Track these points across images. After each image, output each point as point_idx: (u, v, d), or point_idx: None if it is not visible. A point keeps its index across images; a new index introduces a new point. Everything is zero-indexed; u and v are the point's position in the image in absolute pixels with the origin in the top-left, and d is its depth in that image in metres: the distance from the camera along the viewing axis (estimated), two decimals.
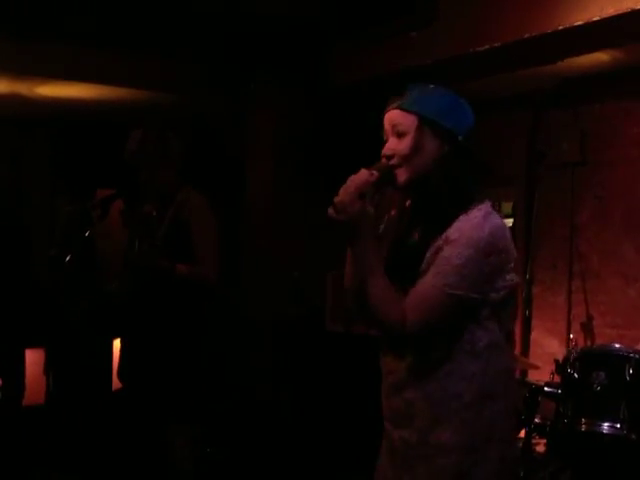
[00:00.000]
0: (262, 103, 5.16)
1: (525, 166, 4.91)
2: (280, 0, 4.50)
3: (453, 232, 1.81)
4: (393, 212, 1.95)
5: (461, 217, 1.83)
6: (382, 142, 1.94)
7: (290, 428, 4.64)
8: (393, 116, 1.90)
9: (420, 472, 1.86)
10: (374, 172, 1.82)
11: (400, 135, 1.87)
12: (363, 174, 1.80)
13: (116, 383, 3.72)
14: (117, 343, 3.79)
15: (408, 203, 1.95)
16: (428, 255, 1.83)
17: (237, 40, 4.79)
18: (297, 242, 4.99)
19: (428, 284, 1.80)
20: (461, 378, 1.82)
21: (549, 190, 4.65)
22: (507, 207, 5.14)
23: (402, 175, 1.89)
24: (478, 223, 1.80)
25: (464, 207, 1.84)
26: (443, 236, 1.82)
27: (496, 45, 3.97)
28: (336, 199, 1.75)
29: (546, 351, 4.52)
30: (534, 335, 4.67)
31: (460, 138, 1.89)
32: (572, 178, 4.71)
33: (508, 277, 1.81)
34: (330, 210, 1.76)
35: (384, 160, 1.89)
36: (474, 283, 1.78)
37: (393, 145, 1.89)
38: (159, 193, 3.44)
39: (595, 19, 3.50)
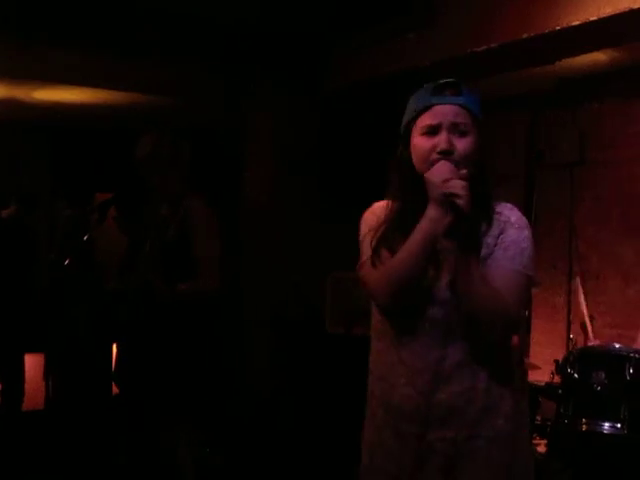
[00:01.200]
0: (261, 105, 5.17)
1: (524, 166, 4.94)
2: (278, 3, 4.49)
3: (510, 214, 1.85)
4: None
5: (497, 209, 1.87)
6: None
7: (290, 430, 4.64)
8: (453, 112, 1.85)
9: (466, 470, 1.81)
10: (463, 176, 1.78)
11: (462, 134, 1.84)
12: (459, 184, 1.75)
13: (116, 387, 3.74)
14: (115, 348, 3.82)
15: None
16: (489, 239, 1.82)
17: (236, 43, 4.80)
18: (297, 244, 5.00)
19: (508, 268, 1.80)
20: (511, 364, 1.84)
21: (548, 190, 4.67)
22: None
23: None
24: (519, 211, 1.87)
25: (494, 204, 1.89)
26: (498, 219, 1.84)
27: (494, 46, 3.97)
28: (462, 192, 1.71)
29: (546, 351, 4.53)
30: (534, 335, 4.72)
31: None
32: (571, 178, 4.74)
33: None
34: (459, 201, 1.72)
35: (436, 155, 1.83)
36: (534, 267, 1.84)
37: (455, 142, 1.84)
38: (168, 198, 3.44)
39: (593, 19, 3.51)
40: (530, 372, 4.02)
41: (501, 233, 1.84)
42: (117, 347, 3.65)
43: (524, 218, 1.88)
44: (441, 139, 1.83)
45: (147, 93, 4.80)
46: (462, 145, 1.83)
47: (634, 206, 4.46)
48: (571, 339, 3.96)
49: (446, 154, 1.82)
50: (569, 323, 4.64)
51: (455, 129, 1.84)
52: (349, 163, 4.91)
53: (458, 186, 1.72)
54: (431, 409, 1.82)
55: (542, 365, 3.84)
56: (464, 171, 1.76)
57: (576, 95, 4.72)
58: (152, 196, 3.44)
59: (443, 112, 1.85)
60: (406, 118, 1.91)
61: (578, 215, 4.74)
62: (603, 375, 2.87)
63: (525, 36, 3.80)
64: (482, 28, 4.05)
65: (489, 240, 1.84)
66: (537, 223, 4.33)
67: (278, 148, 5.12)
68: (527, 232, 1.85)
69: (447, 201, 1.71)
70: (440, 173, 1.75)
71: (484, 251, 1.83)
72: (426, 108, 1.86)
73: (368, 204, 2.00)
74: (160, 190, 3.43)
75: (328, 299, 4.90)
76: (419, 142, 1.85)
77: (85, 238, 3.47)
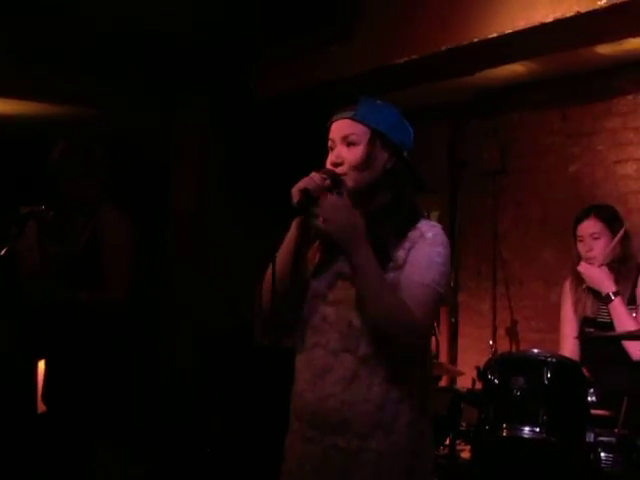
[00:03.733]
0: (186, 117, 5.13)
1: (447, 175, 5.02)
2: (201, 13, 4.51)
3: (427, 229, 1.87)
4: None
5: (418, 225, 1.89)
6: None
7: (217, 443, 4.59)
8: (344, 126, 1.93)
9: (364, 476, 1.85)
10: (324, 176, 1.86)
11: (351, 144, 1.91)
12: (315, 177, 1.84)
13: (41, 406, 3.64)
14: (42, 365, 3.72)
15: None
16: (400, 253, 1.85)
17: (162, 54, 4.77)
18: (225, 255, 4.93)
19: (417, 282, 1.82)
20: (408, 380, 1.85)
21: (472, 198, 4.78)
22: (433, 215, 5.20)
23: (349, 183, 1.92)
24: (442, 229, 1.90)
25: (415, 220, 1.91)
26: (413, 233, 1.86)
27: (414, 57, 4.02)
28: (298, 184, 1.78)
29: (472, 357, 4.56)
30: (461, 342, 4.86)
31: (405, 154, 1.96)
32: (494, 186, 4.80)
33: (448, 291, 1.93)
34: (295, 197, 1.78)
35: (331, 167, 1.92)
36: (446, 284, 1.87)
37: (343, 154, 1.91)
38: (80, 206, 3.39)
39: (508, 32, 3.57)
40: (458, 379, 4.25)
41: (412, 247, 1.86)
42: (45, 364, 3.58)
43: (443, 236, 1.89)
44: (333, 153, 1.93)
45: (68, 105, 4.78)
46: (350, 156, 1.90)
47: (552, 212, 4.53)
48: (491, 345, 4.05)
49: (336, 166, 1.91)
50: (494, 329, 4.67)
51: (344, 141, 1.92)
52: (280, 175, 4.55)
53: (305, 180, 1.80)
54: (326, 416, 1.86)
55: (468, 371, 3.78)
56: (326, 181, 1.83)
57: (496, 105, 4.81)
58: (66, 205, 3.39)
59: (337, 128, 1.95)
60: None
61: (501, 222, 4.80)
62: (522, 380, 2.85)
63: (444, 48, 3.86)
64: (402, 40, 4.10)
65: (400, 253, 1.87)
66: (462, 231, 4.58)
67: (206, 160, 5.09)
68: (441, 249, 1.87)
69: (299, 201, 1.77)
70: (300, 182, 1.84)
71: (393, 264, 1.85)
72: (330, 127, 1.97)
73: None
74: (72, 198, 3.36)
75: (256, 310, 4.63)
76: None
77: (3, 252, 3.31)
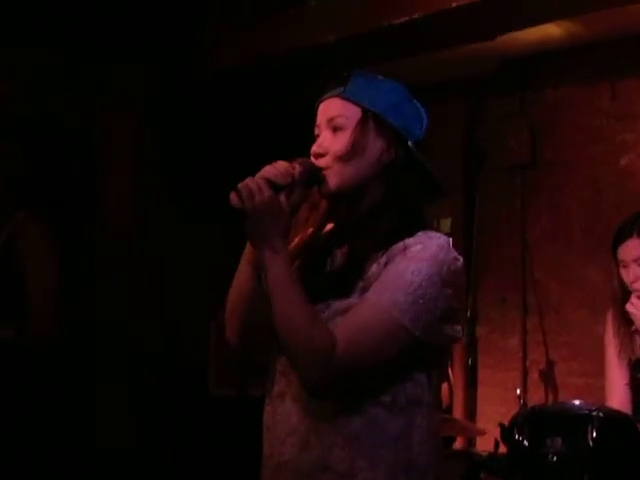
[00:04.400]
0: (120, 96, 5.12)
1: (462, 170, 5.04)
2: None
3: (414, 242, 1.87)
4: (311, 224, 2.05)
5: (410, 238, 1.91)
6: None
7: None
8: (330, 106, 1.98)
9: None
10: (296, 166, 1.90)
11: (337, 129, 1.95)
12: (281, 165, 1.88)
13: None
14: None
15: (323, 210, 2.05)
16: (373, 268, 1.88)
17: (88, 17, 4.78)
18: (168, 277, 4.96)
19: (368, 303, 1.83)
20: (378, 443, 1.85)
21: (494, 200, 4.81)
22: (444, 223, 5.25)
23: (332, 179, 1.94)
24: (443, 243, 1.88)
25: (412, 230, 1.91)
26: (396, 246, 1.88)
27: (416, 17, 4.00)
28: (241, 184, 1.82)
29: (496, 411, 4.55)
30: (480, 391, 4.83)
31: (410, 143, 1.96)
32: (522, 184, 4.82)
33: (456, 327, 1.90)
34: (232, 195, 1.80)
35: (312, 158, 1.96)
36: (424, 316, 1.82)
37: (327, 141, 1.95)
38: None
39: None
40: (478, 439, 4.31)
41: (388, 262, 1.88)
42: None
43: (436, 250, 1.87)
44: (317, 141, 1.98)
45: None
46: (334, 144, 1.94)
47: (599, 217, 4.56)
48: (520, 395, 4.06)
49: (316, 158, 1.95)
50: (524, 373, 4.69)
51: (330, 125, 1.97)
52: (238, 167, 4.66)
53: (265, 169, 1.86)
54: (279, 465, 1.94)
55: (490, 430, 3.86)
56: (296, 169, 1.88)
57: (525, 79, 4.83)
58: None
59: (323, 109, 2.00)
60: None
61: (532, 231, 4.81)
62: (560, 441, 2.86)
63: (454, 5, 3.82)
64: None
65: (373, 270, 1.89)
66: (481, 243, 4.61)
67: (141, 150, 5.13)
68: (424, 266, 1.84)
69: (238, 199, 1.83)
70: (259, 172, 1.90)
71: (363, 283, 1.88)
72: (317, 108, 2.02)
73: None
74: None
75: (212, 352, 4.93)
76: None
77: None
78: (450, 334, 1.90)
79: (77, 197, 5.03)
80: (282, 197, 1.84)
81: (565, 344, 4.67)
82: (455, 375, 4.91)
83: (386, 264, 1.88)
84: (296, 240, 2.02)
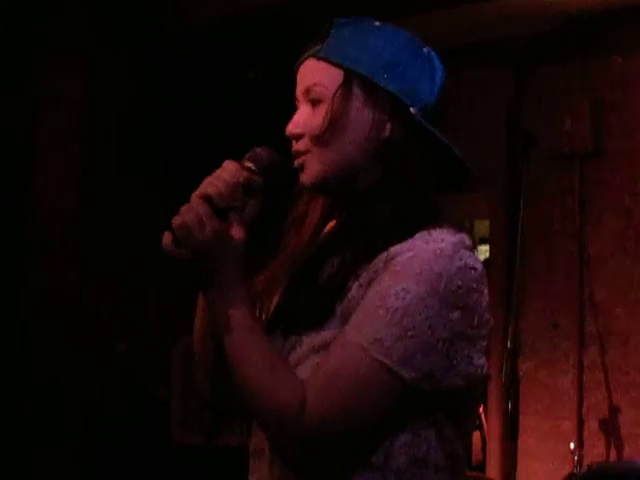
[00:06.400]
0: (60, 59, 4.98)
1: (505, 159, 4.88)
2: None
3: (401, 249, 1.74)
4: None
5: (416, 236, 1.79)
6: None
7: None
8: (306, 72, 1.85)
9: None
10: (250, 165, 1.76)
11: (315, 102, 1.83)
12: (228, 171, 1.74)
13: None
14: None
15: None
16: (353, 288, 1.77)
17: None
18: (121, 288, 4.88)
19: (342, 340, 1.71)
20: None
21: (544, 198, 4.66)
22: (481, 226, 5.18)
23: (311, 167, 1.82)
24: (444, 248, 1.71)
25: (408, 231, 1.77)
26: (379, 257, 1.76)
27: None
28: (175, 221, 1.68)
29: (543, 470, 4.51)
30: (523, 442, 4.44)
31: (414, 111, 1.78)
32: (581, 178, 4.63)
33: (478, 360, 1.71)
34: (166, 240, 1.68)
35: (293, 142, 1.85)
36: (418, 353, 1.67)
37: (303, 118, 1.84)
38: None
39: None
40: None
41: (372, 280, 1.74)
42: None
43: (424, 260, 1.69)
44: (292, 119, 1.89)
45: None
46: (311, 122, 1.83)
47: None
48: (574, 449, 3.80)
49: (294, 140, 1.85)
50: (580, 421, 4.50)
51: (307, 98, 1.85)
52: (209, 145, 4.76)
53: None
54: None
55: None
56: (245, 174, 1.75)
57: (587, 43, 4.59)
58: None
59: (300, 77, 1.88)
60: None
61: (594, 238, 4.63)
62: None
63: None
64: None
65: (354, 290, 1.76)
66: (526, 253, 4.41)
67: (88, 126, 4.99)
68: (412, 285, 1.67)
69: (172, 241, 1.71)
70: (201, 186, 1.75)
71: (340, 308, 1.76)
72: (295, 75, 1.91)
73: None
74: None
75: (175, 387, 4.77)
76: None
77: None
78: (469, 372, 1.68)
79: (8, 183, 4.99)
80: (233, 220, 1.70)
81: (633, 385, 4.44)
82: (490, 423, 4.80)
83: (369, 282, 1.74)
84: (288, 249, 1.92)
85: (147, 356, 4.87)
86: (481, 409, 4.91)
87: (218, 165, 1.71)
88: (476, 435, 4.94)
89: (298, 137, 1.81)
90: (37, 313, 4.95)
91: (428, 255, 1.68)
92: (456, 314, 1.65)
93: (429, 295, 1.65)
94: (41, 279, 4.98)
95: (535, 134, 4.26)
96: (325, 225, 1.92)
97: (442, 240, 1.70)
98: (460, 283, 1.68)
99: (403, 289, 1.65)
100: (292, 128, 1.81)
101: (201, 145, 4.95)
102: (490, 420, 4.81)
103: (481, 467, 4.79)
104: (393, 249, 1.71)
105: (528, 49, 4.82)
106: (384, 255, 1.71)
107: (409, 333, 1.64)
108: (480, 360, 1.71)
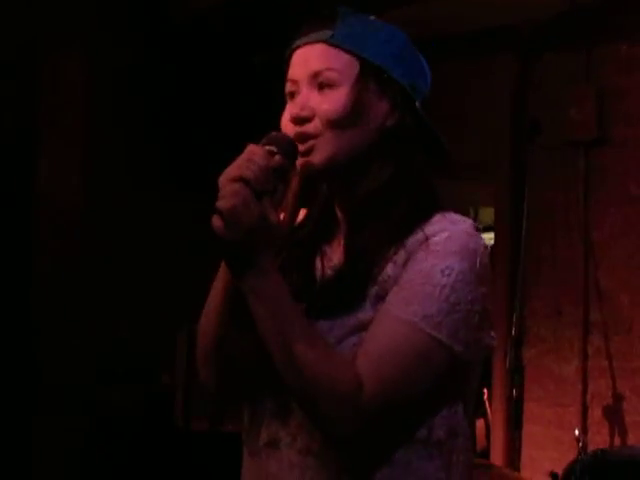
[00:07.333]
0: (64, 45, 4.98)
1: (510, 147, 4.91)
2: None
3: (435, 230, 1.79)
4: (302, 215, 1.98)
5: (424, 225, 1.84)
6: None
7: None
8: (313, 55, 1.86)
9: None
10: (273, 149, 1.75)
11: (324, 86, 1.83)
12: (258, 156, 1.72)
13: None
14: None
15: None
16: (388, 269, 1.79)
17: None
18: (124, 271, 4.89)
19: (392, 318, 1.74)
20: None
21: (548, 186, 4.69)
22: (486, 213, 5.28)
23: (322, 151, 1.83)
24: (471, 228, 1.79)
25: (423, 217, 1.82)
26: (414, 237, 1.79)
27: None
28: (223, 204, 1.68)
29: (547, 457, 4.49)
30: (527, 430, 4.52)
31: (417, 104, 1.88)
32: (585, 166, 4.65)
33: (492, 333, 1.81)
34: (217, 222, 1.68)
35: (290, 126, 1.85)
36: (463, 327, 1.74)
37: (312, 102, 1.83)
38: None
39: None
40: None
41: (408, 260, 1.78)
42: None
43: (465, 239, 1.78)
44: (294, 102, 1.87)
45: None
46: (325, 106, 1.83)
47: None
48: (578, 436, 3.80)
49: (299, 123, 1.83)
50: (584, 408, 4.52)
51: (314, 82, 1.85)
52: (218, 130, 4.88)
53: (237, 164, 1.71)
54: None
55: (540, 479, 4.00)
56: (276, 158, 1.75)
57: (592, 30, 4.60)
58: None
59: (301, 59, 1.88)
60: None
61: (599, 226, 4.65)
62: None
63: None
64: None
65: (387, 273, 1.79)
66: (531, 241, 4.42)
67: (92, 113, 5.01)
68: (456, 262, 1.75)
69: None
70: (232, 169, 1.72)
71: (375, 289, 1.78)
72: (290, 58, 1.92)
73: None
74: None
75: (179, 371, 4.75)
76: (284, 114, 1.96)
77: None
78: (488, 343, 1.79)
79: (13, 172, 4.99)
80: (267, 204, 1.70)
81: (637, 372, 4.48)
82: (494, 410, 4.81)
83: (405, 262, 1.78)
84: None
85: (151, 343, 4.89)
86: (485, 396, 5.02)
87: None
88: (480, 422, 4.99)
89: (305, 120, 1.83)
90: (41, 300, 4.97)
91: (462, 235, 1.76)
92: (484, 289, 1.75)
93: (468, 272, 1.73)
94: (44, 266, 5.00)
95: (540, 122, 4.40)
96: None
97: (464, 221, 1.79)
98: (486, 260, 1.78)
99: (447, 266, 1.72)
100: (300, 111, 1.82)
101: (205, 131, 4.99)
102: (494, 407, 4.85)
103: (485, 454, 4.82)
104: (428, 229, 1.77)
105: (533, 36, 4.86)
106: (420, 235, 1.76)
107: (456, 307, 1.71)
108: (493, 332, 1.81)
